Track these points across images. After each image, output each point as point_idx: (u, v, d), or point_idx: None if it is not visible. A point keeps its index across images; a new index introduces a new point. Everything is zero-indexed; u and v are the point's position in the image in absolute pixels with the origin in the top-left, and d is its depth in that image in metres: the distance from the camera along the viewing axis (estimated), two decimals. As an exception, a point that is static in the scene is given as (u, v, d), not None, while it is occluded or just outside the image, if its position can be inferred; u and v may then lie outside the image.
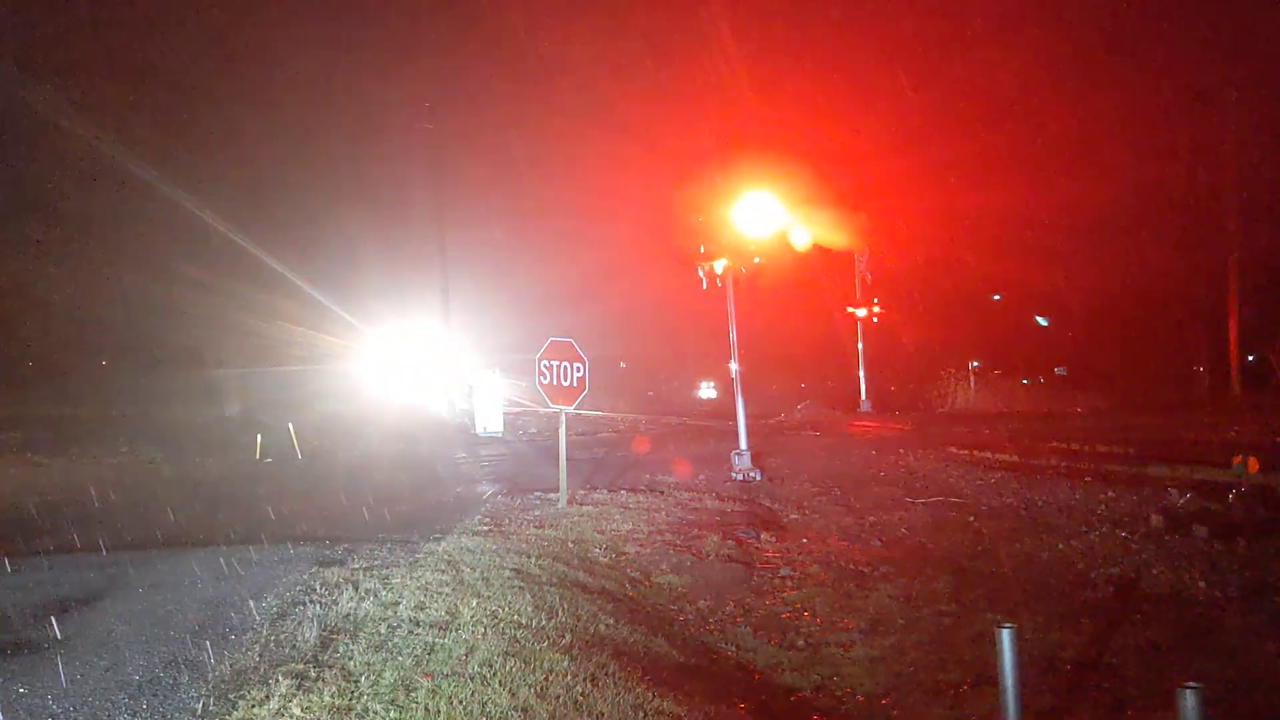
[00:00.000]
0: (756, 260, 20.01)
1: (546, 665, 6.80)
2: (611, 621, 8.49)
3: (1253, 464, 14.32)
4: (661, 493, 16.28)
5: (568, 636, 7.64)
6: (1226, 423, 27.23)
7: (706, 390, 59.33)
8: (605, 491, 16.26)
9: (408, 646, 7.04)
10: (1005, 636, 5.47)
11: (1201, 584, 10.32)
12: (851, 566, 11.80)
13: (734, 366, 20.88)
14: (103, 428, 29.91)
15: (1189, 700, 4.49)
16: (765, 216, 19.71)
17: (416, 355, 40.04)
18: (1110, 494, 15.19)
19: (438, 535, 12.28)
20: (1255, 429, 24.59)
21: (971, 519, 14.39)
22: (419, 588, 8.83)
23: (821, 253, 38.56)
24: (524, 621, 7.90)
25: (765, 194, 19.62)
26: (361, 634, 7.35)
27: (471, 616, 7.88)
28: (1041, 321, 51.70)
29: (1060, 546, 12.34)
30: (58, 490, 18.49)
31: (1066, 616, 9.40)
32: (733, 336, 20.40)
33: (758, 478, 18.39)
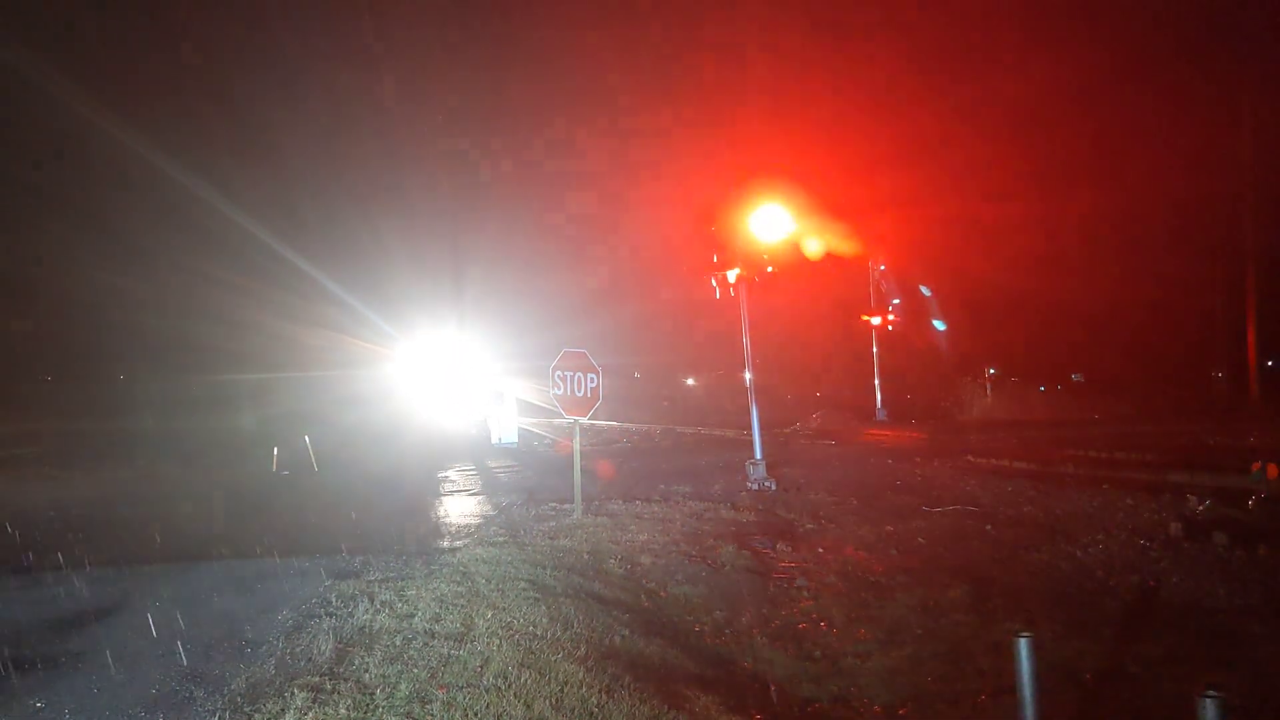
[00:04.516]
0: (770, 269, 19.95)
1: (562, 677, 6.78)
2: (627, 633, 8.46)
3: (1272, 470, 14.22)
4: (676, 503, 16.24)
5: (583, 648, 7.61)
6: (1246, 429, 27.05)
7: (721, 399, 59.32)
8: (620, 502, 16.23)
9: (423, 658, 7.03)
10: (1023, 646, 5.42)
11: (1222, 592, 10.22)
12: (868, 576, 11.73)
13: (748, 375, 20.83)
14: (120, 441, 30.05)
15: (1210, 709, 4.44)
16: (777, 225, 19.67)
17: (437, 365, 40.16)
18: (1129, 501, 15.07)
19: (453, 546, 12.28)
20: (1275, 435, 24.40)
21: (989, 528, 14.30)
22: (434, 599, 8.82)
23: (836, 261, 38.54)
24: (539, 633, 7.88)
25: (776, 205, 19.57)
26: (377, 646, 7.34)
27: (486, 628, 7.87)
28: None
29: (1079, 555, 12.24)
30: (75, 504, 18.56)
31: (1086, 625, 9.32)
32: (746, 345, 20.36)
33: (773, 487, 18.32)
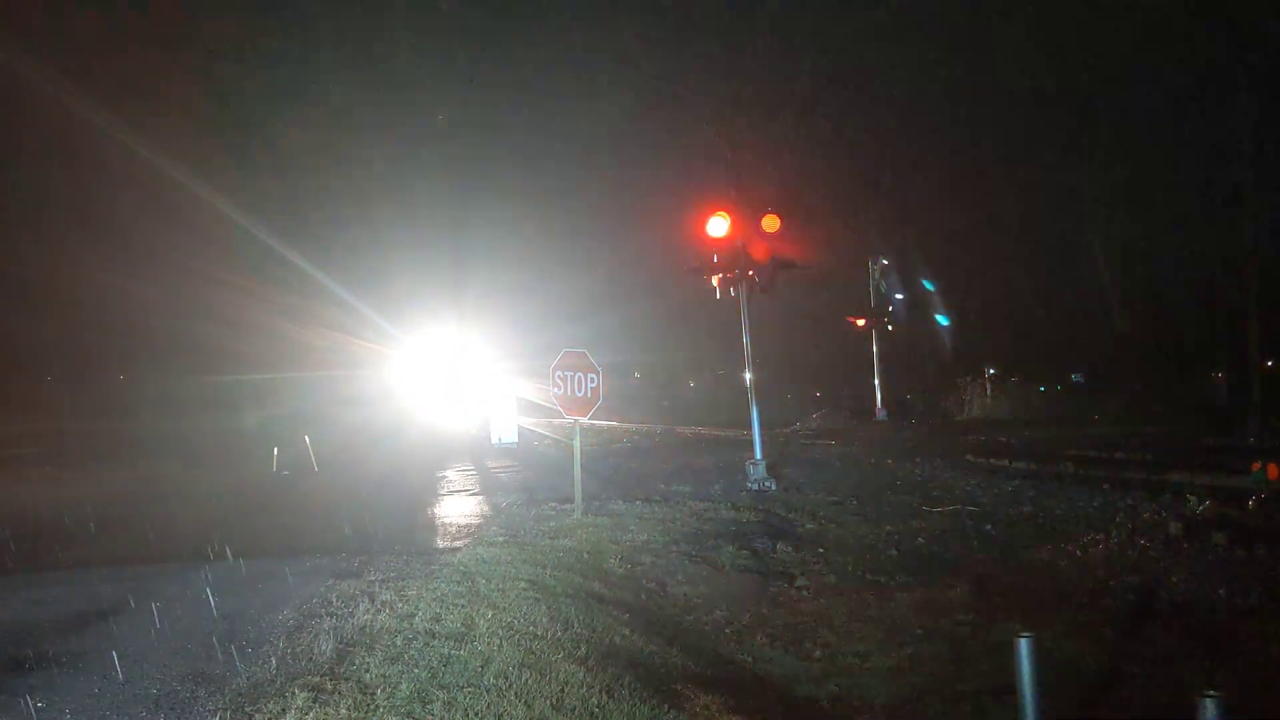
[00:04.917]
0: (751, 274, 19.91)
1: (562, 677, 6.78)
2: (627, 632, 8.47)
3: (1272, 470, 14.22)
4: (677, 503, 16.24)
5: (583, 648, 7.62)
6: (1245, 429, 27.03)
7: (721, 399, 59.24)
8: (620, 501, 16.24)
9: (424, 658, 7.03)
10: (1024, 646, 5.42)
11: (1221, 591, 10.23)
12: (868, 576, 11.74)
13: (748, 376, 20.84)
14: (121, 441, 30.07)
15: (1209, 709, 4.44)
16: (777, 224, 19.64)
17: (438, 364, 40.17)
18: (1129, 501, 15.08)
19: (453, 546, 12.29)
20: (1275, 435, 24.40)
21: (989, 527, 14.31)
22: (435, 599, 8.83)
23: (837, 261, 38.54)
24: (539, 633, 7.88)
25: (777, 206, 19.54)
26: (378, 646, 7.35)
27: (487, 628, 7.87)
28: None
29: (1079, 554, 12.25)
30: (77, 503, 18.57)
31: (1086, 625, 9.33)
32: (746, 346, 20.36)
33: (773, 487, 18.33)
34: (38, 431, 33.54)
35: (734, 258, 19.54)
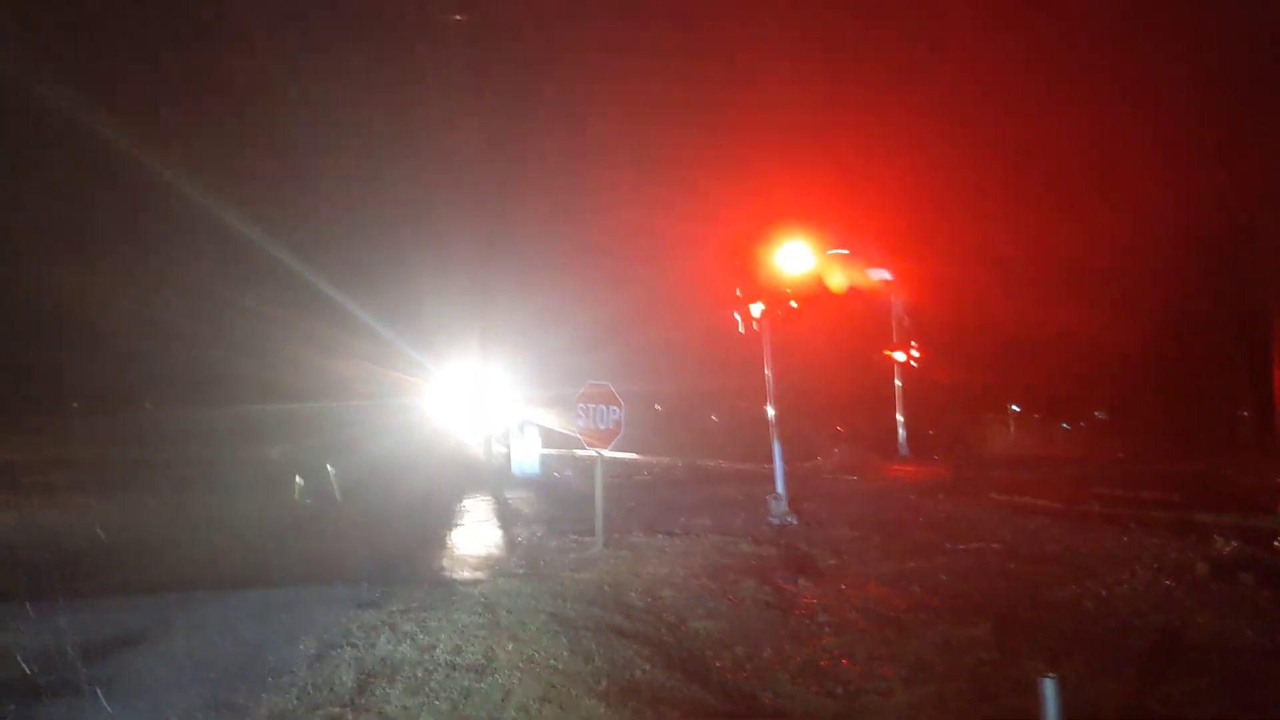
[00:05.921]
0: (793, 304, 20.01)
1: (583, 711, 6.77)
2: (648, 667, 8.45)
3: (1300, 510, 14.07)
4: (697, 536, 16.20)
5: (604, 682, 7.60)
6: (1272, 468, 26.75)
7: (742, 432, 58.96)
8: (641, 535, 16.21)
9: (444, 690, 7.04)
10: (1049, 686, 5.38)
11: (1249, 633, 10.11)
12: (891, 613, 11.65)
13: (770, 410, 20.82)
14: (146, 469, 30.25)
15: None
16: (800, 259, 19.75)
17: (462, 394, 40.28)
18: (1154, 541, 14.93)
19: (474, 578, 12.29)
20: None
21: (1013, 565, 14.19)
22: (455, 631, 8.84)
23: (858, 296, 38.47)
24: (560, 666, 7.88)
25: (800, 241, 19.63)
26: (399, 677, 7.37)
27: (508, 660, 7.88)
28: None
29: (1103, 594, 12.13)
30: (100, 531, 18.68)
31: (1110, 666, 9.23)
32: (769, 380, 20.36)
33: (794, 522, 18.26)
34: (64, 458, 33.79)
35: (758, 292, 19.61)
